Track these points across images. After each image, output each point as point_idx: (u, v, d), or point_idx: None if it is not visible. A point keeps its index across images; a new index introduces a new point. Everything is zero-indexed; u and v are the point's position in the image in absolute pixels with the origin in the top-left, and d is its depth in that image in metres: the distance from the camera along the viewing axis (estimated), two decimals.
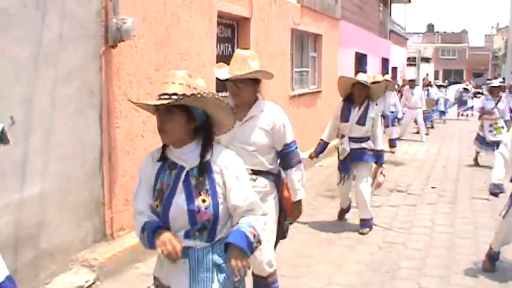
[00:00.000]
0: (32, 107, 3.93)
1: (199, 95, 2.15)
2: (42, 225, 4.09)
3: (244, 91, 3.48)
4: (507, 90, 12.51)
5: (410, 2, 26.66)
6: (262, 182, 3.52)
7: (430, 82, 19.13)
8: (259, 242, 2.29)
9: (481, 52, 69.59)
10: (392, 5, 24.03)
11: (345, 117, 5.91)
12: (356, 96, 5.89)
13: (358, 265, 5.02)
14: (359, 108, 5.88)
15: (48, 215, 4.15)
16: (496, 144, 8.55)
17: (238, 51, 3.64)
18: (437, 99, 18.35)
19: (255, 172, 3.46)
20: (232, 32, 7.65)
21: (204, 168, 2.27)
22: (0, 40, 3.63)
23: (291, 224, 3.95)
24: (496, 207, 7.16)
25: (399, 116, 12.52)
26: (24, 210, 3.90)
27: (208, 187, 2.27)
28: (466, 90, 21.87)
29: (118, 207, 4.97)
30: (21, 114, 3.83)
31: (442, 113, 19.53)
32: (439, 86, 20.46)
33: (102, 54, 4.66)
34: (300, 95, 10.11)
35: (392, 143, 12.04)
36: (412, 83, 14.33)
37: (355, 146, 5.88)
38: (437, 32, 75.28)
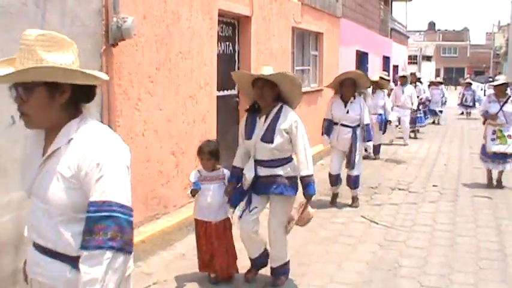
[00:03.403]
0: None
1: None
2: None
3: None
4: None
5: (411, 0, 26.64)
6: None
7: (419, 79, 16.92)
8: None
9: (482, 50, 69.51)
10: (394, 3, 24.02)
11: (248, 131, 4.26)
12: (259, 98, 4.19)
13: (359, 263, 5.02)
14: (265, 118, 4.19)
15: None
16: (503, 157, 8.01)
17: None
18: (429, 98, 16.40)
19: None
20: (233, 30, 7.64)
21: None
22: (1, 39, 3.63)
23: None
24: (497, 205, 7.17)
25: (389, 119, 10.99)
26: (25, 208, 3.89)
27: None
28: (468, 86, 21.14)
29: None
30: None
31: (432, 112, 17.58)
32: (432, 83, 18.97)
33: (102, 53, 4.66)
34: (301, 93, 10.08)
35: (376, 149, 10.71)
36: (402, 80, 12.82)
37: (264, 172, 4.23)
38: (439, 30, 75.32)
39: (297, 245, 5.40)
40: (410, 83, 14.07)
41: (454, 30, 75.61)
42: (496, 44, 62.86)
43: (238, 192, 4.31)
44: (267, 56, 8.34)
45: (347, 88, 6.74)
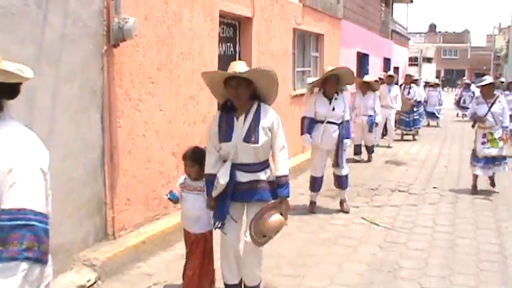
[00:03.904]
0: (34, 106, 3.93)
1: None
2: None
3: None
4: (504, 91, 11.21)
5: (412, 1, 26.63)
6: None
7: (417, 80, 16.44)
8: None
9: (483, 52, 69.52)
10: (394, 4, 24.01)
11: (224, 133, 3.76)
12: (234, 98, 3.75)
13: (359, 265, 5.02)
14: (244, 118, 3.75)
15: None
16: (493, 160, 7.76)
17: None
18: (425, 100, 16.47)
19: None
20: (234, 31, 7.65)
21: None
22: (2, 40, 3.63)
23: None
24: (497, 207, 7.17)
25: (376, 120, 10.75)
26: None
27: None
28: (467, 87, 20.28)
29: (120, 206, 4.98)
30: (23, 113, 3.83)
31: (430, 114, 17.57)
32: (428, 85, 18.60)
33: (104, 54, 4.67)
34: (302, 94, 10.08)
35: (369, 150, 10.95)
36: (389, 79, 12.50)
37: (246, 178, 3.78)
38: (439, 31, 75.33)
39: (297, 247, 5.40)
40: (406, 84, 14.10)
41: (454, 32, 75.59)
42: (496, 46, 62.86)
43: (220, 203, 3.78)
44: (268, 57, 8.35)
45: (331, 84, 6.45)
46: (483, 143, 7.77)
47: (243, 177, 3.77)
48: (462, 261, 5.10)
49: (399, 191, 8.13)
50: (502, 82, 17.54)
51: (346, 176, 6.82)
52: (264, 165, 3.86)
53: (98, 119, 4.68)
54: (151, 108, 5.39)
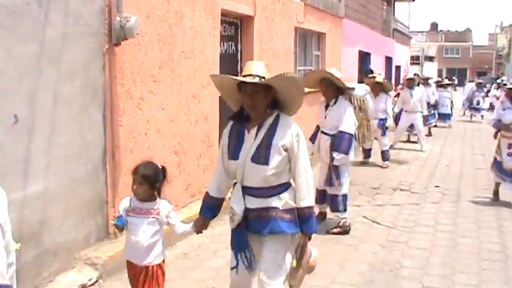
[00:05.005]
0: (35, 105, 3.93)
1: None
2: (46, 223, 4.10)
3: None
4: None
5: (414, 0, 26.61)
6: None
7: (428, 79, 15.80)
8: None
9: (485, 51, 69.53)
10: (396, 3, 23.99)
11: (233, 148, 3.15)
12: (249, 107, 3.09)
13: (361, 264, 5.01)
14: (257, 131, 3.09)
15: (51, 213, 4.16)
16: None
17: None
18: (437, 101, 15.57)
19: None
20: (235, 30, 7.65)
21: None
22: (4, 38, 3.64)
23: None
24: (499, 206, 7.16)
25: (387, 124, 10.10)
26: (27, 208, 3.91)
27: None
28: (479, 86, 19.69)
29: None
30: (24, 112, 3.83)
31: (447, 116, 16.78)
32: (441, 85, 17.48)
33: (105, 52, 4.67)
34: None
35: (384, 156, 10.12)
36: (410, 82, 11.68)
37: (254, 204, 3.11)
38: (441, 30, 75.36)
39: None
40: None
41: (456, 31, 75.57)
42: (498, 44, 62.84)
43: (237, 235, 3.17)
44: (270, 56, 8.34)
45: (324, 89, 5.78)
46: (509, 155, 6.89)
47: (251, 203, 3.10)
48: (464, 260, 5.10)
49: (401, 189, 8.13)
50: None
51: (343, 196, 5.86)
52: (278, 189, 3.10)
53: (99, 118, 4.68)
54: (153, 107, 5.39)
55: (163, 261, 3.46)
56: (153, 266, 3.38)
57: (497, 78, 37.76)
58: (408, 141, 13.25)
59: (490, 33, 76.56)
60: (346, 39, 13.24)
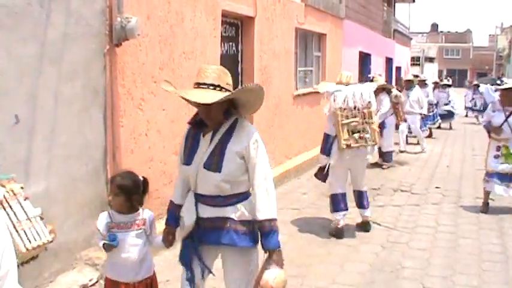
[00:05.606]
0: (36, 106, 3.93)
1: None
2: (46, 223, 4.09)
3: None
4: None
5: (414, 1, 26.64)
6: None
7: (424, 81, 15.22)
8: None
9: (485, 52, 69.53)
10: (397, 4, 24.01)
11: (187, 153, 2.96)
12: (205, 117, 3.02)
13: (361, 264, 5.01)
14: (211, 136, 2.91)
15: (52, 213, 4.15)
16: (510, 178, 6.58)
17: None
18: (437, 102, 15.57)
19: None
20: (236, 31, 7.65)
21: None
22: (5, 39, 3.64)
23: None
24: (500, 207, 7.15)
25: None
26: None
27: None
28: (476, 88, 19.54)
29: None
30: (25, 112, 3.83)
31: (443, 116, 16.31)
32: (438, 85, 17.38)
33: (106, 53, 4.67)
34: (304, 94, 10.10)
35: (386, 157, 10.08)
36: (408, 84, 11.72)
37: (207, 213, 2.88)
38: (442, 31, 75.36)
39: (299, 246, 5.40)
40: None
41: (457, 32, 75.58)
42: (498, 46, 62.81)
43: (186, 245, 2.98)
44: (270, 57, 8.34)
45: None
46: (496, 157, 6.64)
47: (205, 212, 2.88)
48: (464, 261, 5.10)
49: (401, 190, 8.13)
50: None
51: (332, 195, 5.96)
52: (234, 199, 2.85)
53: (100, 118, 4.68)
54: (153, 107, 5.39)
55: (152, 277, 3.22)
56: (143, 281, 3.12)
57: (499, 78, 37.76)
58: (406, 142, 13.05)
59: (490, 35, 76.59)
60: (347, 40, 13.24)
